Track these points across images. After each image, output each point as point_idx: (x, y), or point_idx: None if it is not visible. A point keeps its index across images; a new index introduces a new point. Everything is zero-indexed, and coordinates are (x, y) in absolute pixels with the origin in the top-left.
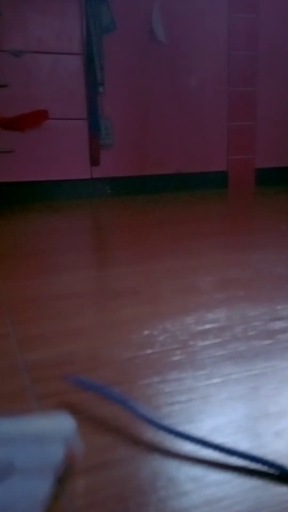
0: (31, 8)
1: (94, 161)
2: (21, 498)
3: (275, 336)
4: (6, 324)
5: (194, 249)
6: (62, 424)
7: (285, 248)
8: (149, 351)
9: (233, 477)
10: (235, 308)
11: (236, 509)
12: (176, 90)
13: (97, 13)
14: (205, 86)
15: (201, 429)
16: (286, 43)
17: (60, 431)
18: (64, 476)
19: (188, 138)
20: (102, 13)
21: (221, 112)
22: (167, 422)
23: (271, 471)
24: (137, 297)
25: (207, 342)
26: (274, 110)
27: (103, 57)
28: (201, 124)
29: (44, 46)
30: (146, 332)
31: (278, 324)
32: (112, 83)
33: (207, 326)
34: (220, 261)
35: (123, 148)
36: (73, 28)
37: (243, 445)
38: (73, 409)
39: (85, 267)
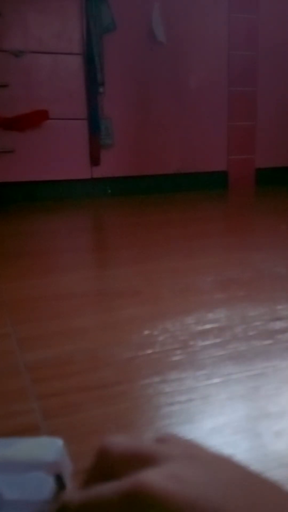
0: (31, 8)
1: (94, 161)
2: None
3: (275, 336)
4: (6, 324)
5: (194, 249)
6: (49, 448)
7: (285, 248)
8: (149, 351)
9: None
10: (235, 308)
11: None
12: (176, 90)
13: (97, 13)
14: (205, 86)
15: (201, 429)
16: (286, 43)
17: (48, 457)
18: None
19: (188, 138)
20: (102, 13)
21: (221, 112)
22: (167, 422)
23: None
24: (138, 297)
25: (207, 342)
26: (274, 110)
27: (103, 57)
28: (201, 124)
29: (44, 46)
30: (146, 332)
31: (278, 324)
32: (112, 83)
33: (208, 326)
34: (220, 261)
35: (123, 148)
36: (73, 28)
37: (243, 445)
38: (74, 409)
39: (86, 267)
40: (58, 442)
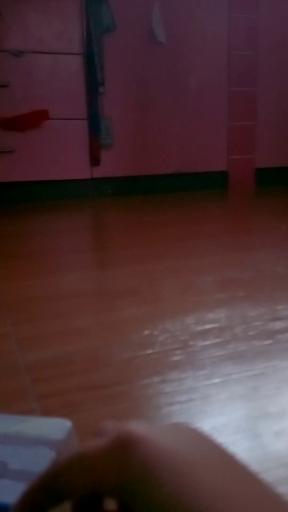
0: (31, 8)
1: (94, 161)
2: (11, 500)
3: (275, 336)
4: (6, 324)
5: (194, 249)
6: (57, 428)
7: (285, 248)
8: (149, 351)
9: None
10: (235, 308)
11: None
12: (176, 90)
13: (97, 13)
14: (205, 86)
15: (201, 429)
16: (286, 43)
17: (55, 435)
18: None
19: (188, 138)
20: (102, 13)
21: (221, 112)
22: (167, 422)
23: None
24: (137, 297)
25: (207, 342)
26: (274, 110)
27: (103, 57)
28: (201, 124)
29: (44, 46)
30: (146, 332)
31: (278, 324)
32: (112, 83)
33: (208, 326)
34: (220, 261)
35: (123, 148)
36: (73, 28)
37: (243, 445)
38: (74, 409)
39: (86, 267)
40: (67, 423)
